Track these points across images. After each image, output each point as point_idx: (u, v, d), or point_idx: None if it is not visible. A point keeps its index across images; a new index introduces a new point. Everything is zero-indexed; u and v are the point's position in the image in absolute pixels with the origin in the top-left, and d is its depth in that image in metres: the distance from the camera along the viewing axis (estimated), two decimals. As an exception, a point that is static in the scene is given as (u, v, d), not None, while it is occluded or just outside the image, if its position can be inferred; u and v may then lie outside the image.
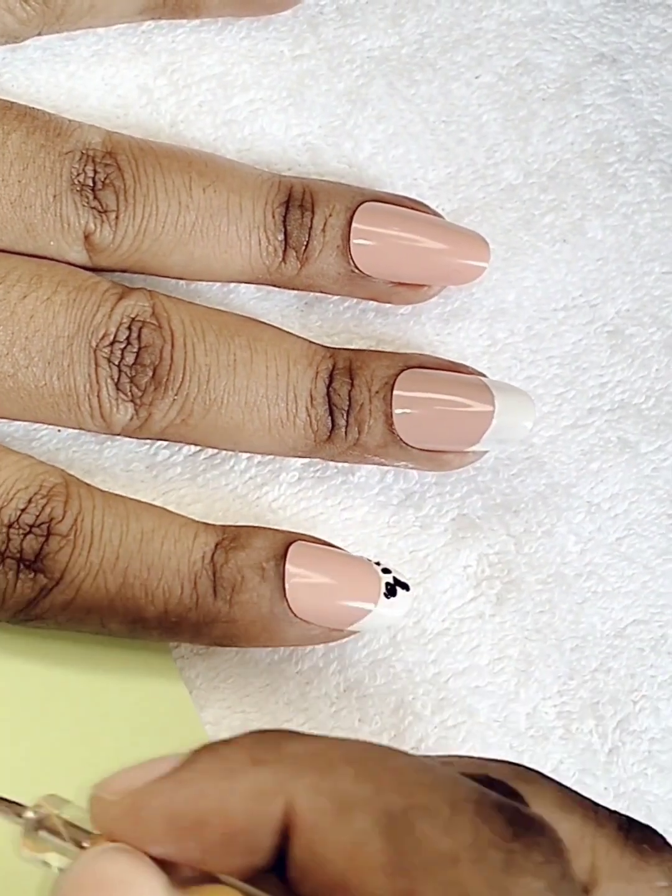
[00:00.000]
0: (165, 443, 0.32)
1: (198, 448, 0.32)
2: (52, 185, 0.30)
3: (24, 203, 0.30)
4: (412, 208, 0.32)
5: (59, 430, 0.32)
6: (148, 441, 0.32)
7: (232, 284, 0.33)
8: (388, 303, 0.33)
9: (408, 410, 0.31)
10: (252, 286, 0.33)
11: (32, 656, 0.30)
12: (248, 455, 0.32)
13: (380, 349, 0.33)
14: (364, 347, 0.33)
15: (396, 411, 0.30)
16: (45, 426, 0.32)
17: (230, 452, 0.32)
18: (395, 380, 0.31)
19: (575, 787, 0.31)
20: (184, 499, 0.32)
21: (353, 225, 0.31)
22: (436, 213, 0.33)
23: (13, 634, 0.30)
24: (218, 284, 0.33)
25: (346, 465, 0.32)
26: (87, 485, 0.30)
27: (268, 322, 0.32)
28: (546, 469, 0.33)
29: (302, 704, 0.31)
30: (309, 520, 0.32)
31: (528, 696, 0.32)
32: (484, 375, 0.32)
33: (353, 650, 0.31)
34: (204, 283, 0.33)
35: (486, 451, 0.32)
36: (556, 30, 0.36)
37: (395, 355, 0.32)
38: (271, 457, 0.32)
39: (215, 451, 0.32)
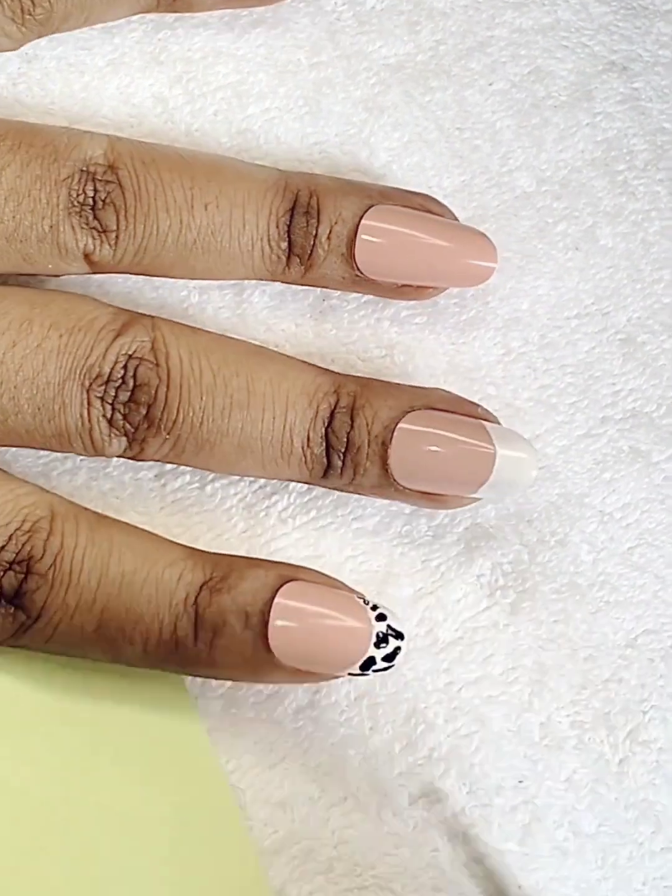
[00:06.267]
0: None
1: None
2: (49, 216, 0.30)
3: (19, 236, 0.30)
4: (421, 206, 0.32)
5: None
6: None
7: (246, 294, 0.33)
8: (393, 299, 0.33)
9: (405, 454, 0.30)
10: (266, 295, 0.33)
11: (38, 674, 0.30)
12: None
13: (393, 360, 0.33)
14: (378, 356, 0.33)
15: (392, 456, 0.30)
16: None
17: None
18: (396, 425, 0.30)
19: (589, 798, 0.31)
20: (190, 509, 0.32)
21: (359, 233, 0.31)
22: (450, 213, 0.32)
23: (20, 661, 0.30)
24: (232, 294, 0.33)
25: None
26: (76, 515, 0.29)
27: (278, 340, 0.32)
28: (559, 479, 0.33)
29: (312, 712, 0.31)
30: (319, 530, 0.32)
31: (543, 705, 0.32)
32: (492, 418, 0.31)
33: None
34: (216, 292, 0.33)
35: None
36: (566, 38, 0.36)
37: (402, 394, 0.31)
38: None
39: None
